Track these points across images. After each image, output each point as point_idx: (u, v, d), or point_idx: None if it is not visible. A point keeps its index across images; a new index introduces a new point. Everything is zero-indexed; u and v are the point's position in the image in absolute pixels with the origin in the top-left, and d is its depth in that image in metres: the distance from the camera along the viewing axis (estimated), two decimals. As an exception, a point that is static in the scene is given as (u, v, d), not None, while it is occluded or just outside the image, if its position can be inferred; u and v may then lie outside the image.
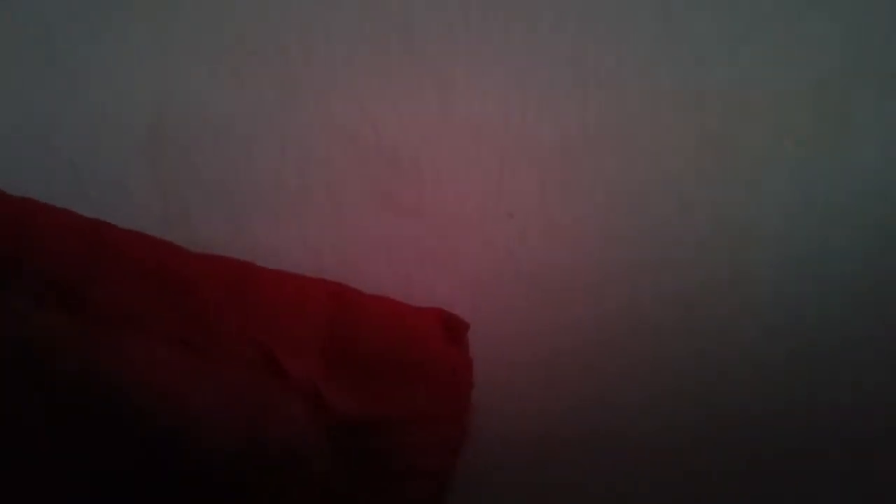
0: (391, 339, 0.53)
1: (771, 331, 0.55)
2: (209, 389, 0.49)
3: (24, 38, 0.56)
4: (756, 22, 0.55)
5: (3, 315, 0.49)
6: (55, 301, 0.49)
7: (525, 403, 0.54)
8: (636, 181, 0.56)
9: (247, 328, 0.51)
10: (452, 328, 0.54)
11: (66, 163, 0.56)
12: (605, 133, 0.56)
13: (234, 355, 0.50)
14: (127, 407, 0.48)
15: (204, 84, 0.56)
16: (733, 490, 0.53)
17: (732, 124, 0.56)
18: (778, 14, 0.56)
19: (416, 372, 0.52)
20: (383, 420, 0.51)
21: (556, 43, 0.55)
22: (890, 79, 0.56)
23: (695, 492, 0.53)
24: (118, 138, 0.56)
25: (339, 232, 0.57)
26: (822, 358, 0.54)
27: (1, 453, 0.47)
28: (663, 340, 0.55)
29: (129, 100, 0.56)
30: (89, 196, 0.56)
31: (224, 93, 0.56)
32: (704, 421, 0.54)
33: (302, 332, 0.52)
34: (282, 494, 0.49)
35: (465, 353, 0.54)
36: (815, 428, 0.53)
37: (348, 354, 0.52)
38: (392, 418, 0.51)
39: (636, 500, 0.53)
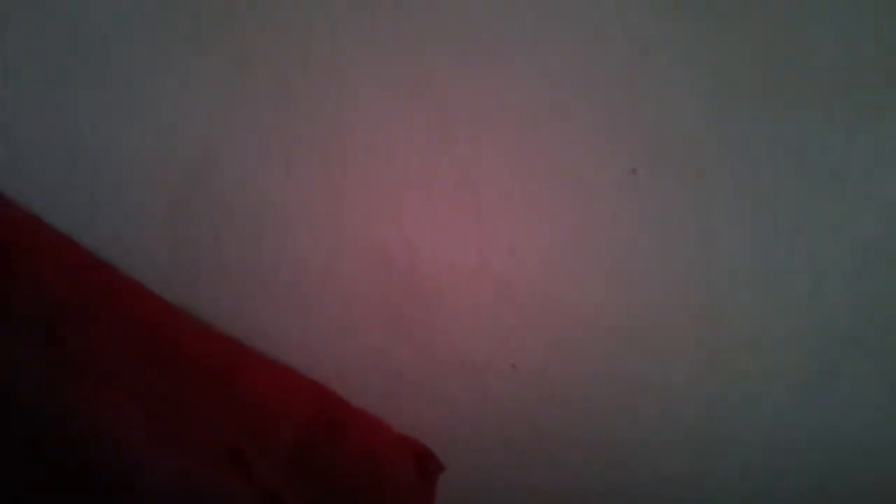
0: (364, 462, 0.52)
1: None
2: (170, 467, 0.48)
3: (78, 53, 0.54)
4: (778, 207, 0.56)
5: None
6: (34, 334, 0.48)
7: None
8: (630, 371, 0.57)
9: (224, 418, 0.50)
10: (428, 467, 0.53)
11: (87, 191, 0.55)
12: (620, 322, 0.56)
13: (203, 442, 0.49)
14: (81, 455, 0.46)
15: (252, 158, 0.55)
16: None
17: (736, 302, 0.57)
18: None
19: (378, 499, 0.51)
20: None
21: (597, 218, 0.56)
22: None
23: None
24: (146, 182, 0.55)
25: (342, 336, 0.56)
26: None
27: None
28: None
29: (169, 150, 0.55)
30: (100, 230, 0.54)
31: (271, 172, 0.55)
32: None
33: (277, 433, 0.51)
34: None
35: (431, 491, 0.54)
36: None
37: (318, 466, 0.51)
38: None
39: None
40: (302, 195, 0.55)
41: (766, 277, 0.55)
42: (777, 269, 0.55)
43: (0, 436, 0.46)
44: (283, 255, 0.55)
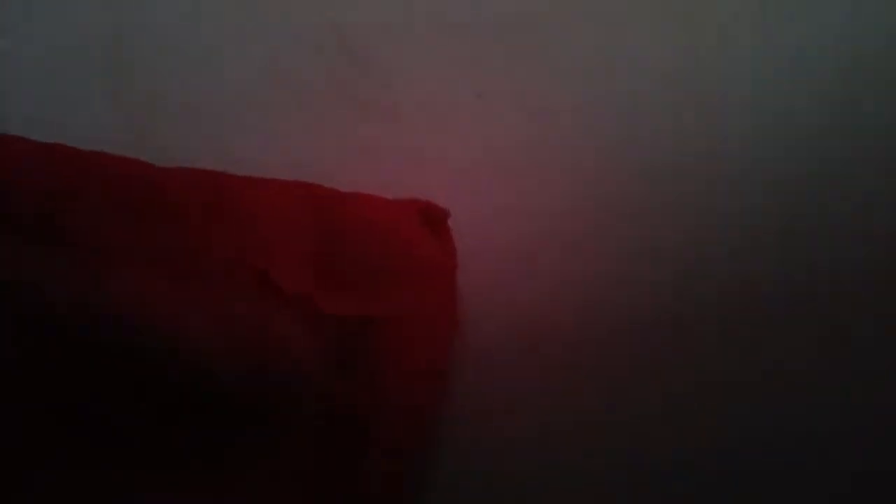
0: (373, 236, 0.52)
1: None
2: (204, 315, 0.49)
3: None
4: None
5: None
6: (34, 231, 0.49)
7: (510, 289, 0.54)
8: (608, 57, 0.55)
9: (235, 246, 0.50)
10: (432, 216, 0.53)
11: (21, 89, 0.55)
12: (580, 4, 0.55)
13: (226, 278, 0.50)
14: (116, 337, 0.48)
15: (160, 4, 0.55)
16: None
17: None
18: None
19: (401, 266, 0.52)
20: (374, 319, 0.51)
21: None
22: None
23: (694, 363, 0.53)
24: (75, 66, 0.55)
25: (314, 141, 0.56)
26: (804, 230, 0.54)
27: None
28: (640, 218, 0.54)
29: (85, 29, 0.55)
30: (49, 123, 0.54)
31: (181, 10, 0.55)
32: (693, 299, 0.53)
33: (289, 241, 0.51)
34: (286, 414, 0.49)
35: (448, 240, 0.54)
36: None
37: (334, 258, 0.51)
38: (382, 316, 0.51)
39: (631, 373, 0.53)
40: (218, 18, 0.55)
41: None
42: None
43: (37, 344, 0.48)
44: (224, 82, 0.55)
